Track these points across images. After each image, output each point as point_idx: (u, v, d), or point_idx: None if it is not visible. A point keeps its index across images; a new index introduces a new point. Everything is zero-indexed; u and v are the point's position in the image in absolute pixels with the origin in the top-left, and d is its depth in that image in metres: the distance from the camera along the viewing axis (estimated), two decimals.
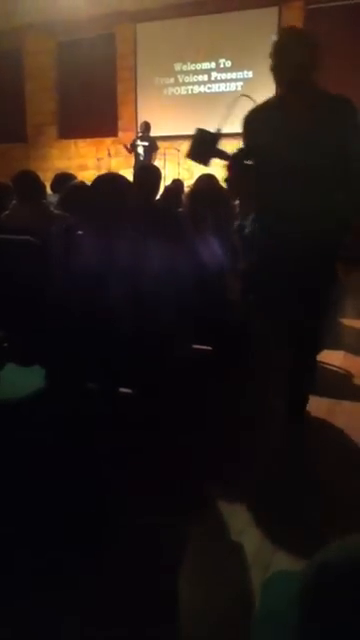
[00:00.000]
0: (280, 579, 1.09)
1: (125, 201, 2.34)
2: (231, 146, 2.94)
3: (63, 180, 4.67)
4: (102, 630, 1.63)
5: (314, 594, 0.56)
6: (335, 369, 3.89)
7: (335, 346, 4.41)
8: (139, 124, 11.42)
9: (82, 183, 4.32)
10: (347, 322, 5.31)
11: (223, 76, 12.33)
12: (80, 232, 2.32)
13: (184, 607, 1.74)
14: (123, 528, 2.06)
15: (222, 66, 12.29)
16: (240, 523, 2.12)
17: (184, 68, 12.62)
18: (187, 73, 12.63)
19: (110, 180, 2.43)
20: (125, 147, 11.05)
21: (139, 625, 1.63)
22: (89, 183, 4.53)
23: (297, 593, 0.57)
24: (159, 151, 10.98)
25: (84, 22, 12.59)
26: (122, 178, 2.48)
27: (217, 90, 12.43)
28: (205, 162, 2.81)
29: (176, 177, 9.41)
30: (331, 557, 0.57)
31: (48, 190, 4.41)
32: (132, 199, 2.37)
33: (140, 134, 10.97)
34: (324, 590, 0.55)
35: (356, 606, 0.52)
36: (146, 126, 10.92)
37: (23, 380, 2.21)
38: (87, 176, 10.91)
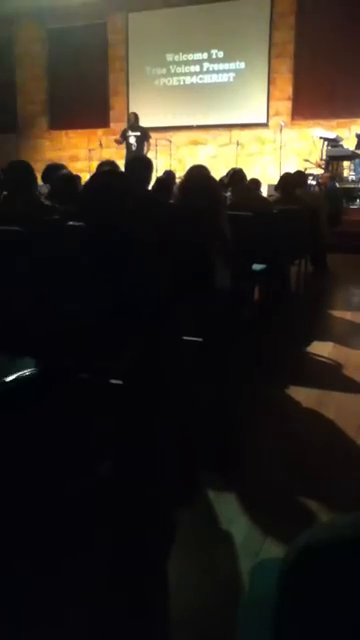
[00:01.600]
0: (268, 565, 1.10)
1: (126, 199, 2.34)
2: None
3: (54, 171, 4.66)
4: (93, 617, 1.64)
5: (295, 576, 0.57)
6: (324, 360, 3.92)
7: (324, 337, 4.44)
8: (127, 116, 11.38)
9: (70, 174, 4.32)
10: (336, 313, 5.35)
11: (215, 67, 12.28)
12: (71, 223, 2.32)
13: (173, 594, 1.76)
14: (112, 516, 2.08)
15: (214, 57, 12.24)
16: (230, 511, 2.14)
17: (176, 58, 12.56)
18: (179, 64, 12.57)
19: (110, 177, 2.42)
20: (116, 141, 11.02)
21: (129, 611, 1.65)
22: (76, 173, 4.55)
23: (277, 578, 0.58)
24: (150, 142, 10.95)
25: (76, 10, 12.49)
26: (122, 175, 2.47)
27: (209, 81, 12.39)
28: None
29: (168, 168, 9.39)
30: (312, 539, 0.58)
31: (39, 181, 4.39)
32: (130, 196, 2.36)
33: (130, 125, 10.93)
34: (304, 572, 0.56)
35: (336, 589, 0.54)
36: (135, 117, 10.89)
37: (13, 369, 2.21)
38: (78, 167, 10.94)
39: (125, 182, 2.46)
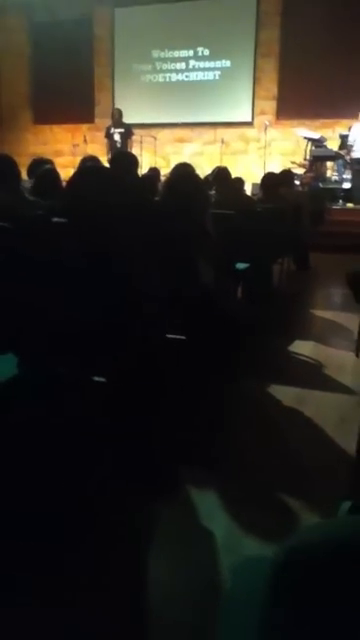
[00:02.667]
0: (249, 564, 1.11)
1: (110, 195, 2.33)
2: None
3: (40, 165, 4.63)
4: (73, 613, 1.65)
5: (282, 578, 0.58)
6: (305, 359, 3.95)
7: (305, 336, 4.48)
8: (111, 112, 11.33)
9: (49, 169, 4.30)
10: (318, 312, 5.39)
11: (201, 64, 12.27)
12: (56, 219, 2.31)
13: (153, 591, 1.76)
14: (93, 513, 2.08)
15: (200, 54, 12.23)
16: (210, 508, 2.15)
17: (162, 55, 12.53)
18: (165, 60, 12.54)
19: (98, 177, 2.40)
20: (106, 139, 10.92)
21: (109, 609, 1.66)
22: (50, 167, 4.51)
23: (266, 577, 0.58)
24: (135, 139, 10.93)
25: (61, 3, 12.39)
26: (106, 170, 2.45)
27: (195, 78, 12.38)
28: None
29: (153, 165, 9.38)
30: (301, 542, 0.59)
31: (24, 175, 4.36)
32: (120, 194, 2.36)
33: (115, 121, 10.89)
34: (292, 575, 0.57)
35: (324, 592, 0.54)
36: (119, 113, 10.84)
37: None
38: (63, 162, 10.86)
39: (109, 177, 2.45)
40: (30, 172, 4.72)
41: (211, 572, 1.82)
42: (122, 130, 10.67)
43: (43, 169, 4.28)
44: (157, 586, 1.78)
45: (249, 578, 0.88)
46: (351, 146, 9.47)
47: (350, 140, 9.52)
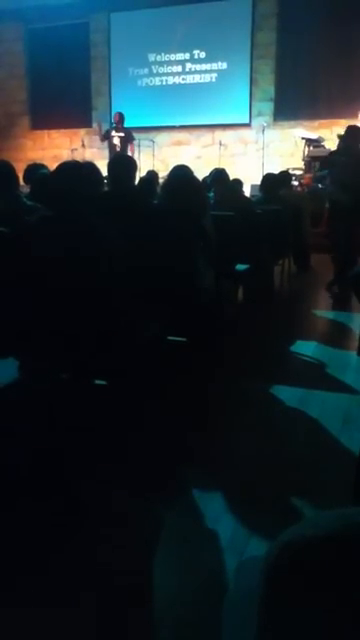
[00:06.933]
0: (253, 563, 1.11)
1: (82, 187, 2.33)
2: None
3: (35, 171, 4.64)
4: (73, 614, 1.64)
5: (277, 573, 0.57)
6: (308, 359, 3.94)
7: (307, 337, 4.47)
8: (113, 115, 11.36)
9: (46, 174, 4.30)
10: (319, 313, 5.38)
11: (197, 67, 12.28)
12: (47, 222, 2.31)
13: (158, 592, 1.76)
14: (98, 514, 2.07)
15: (196, 57, 12.24)
16: (215, 510, 2.14)
17: (158, 59, 12.54)
18: (161, 64, 12.55)
19: (69, 167, 2.40)
20: (101, 138, 11.01)
21: (113, 610, 1.65)
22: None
23: (260, 575, 0.58)
24: (134, 143, 10.95)
25: (57, 10, 12.43)
26: (82, 166, 2.44)
27: (192, 81, 12.39)
28: None
29: (151, 168, 9.38)
30: (295, 535, 0.58)
31: (21, 181, 4.37)
32: (93, 186, 2.35)
33: (115, 126, 10.91)
34: (287, 569, 0.56)
35: (320, 585, 0.54)
36: (120, 117, 10.85)
37: None
38: None
39: (82, 169, 2.44)
40: (26, 178, 4.73)
41: (217, 574, 1.81)
42: (122, 134, 10.68)
43: (39, 174, 4.28)
44: (163, 588, 1.77)
45: (250, 577, 0.87)
46: None
47: None
